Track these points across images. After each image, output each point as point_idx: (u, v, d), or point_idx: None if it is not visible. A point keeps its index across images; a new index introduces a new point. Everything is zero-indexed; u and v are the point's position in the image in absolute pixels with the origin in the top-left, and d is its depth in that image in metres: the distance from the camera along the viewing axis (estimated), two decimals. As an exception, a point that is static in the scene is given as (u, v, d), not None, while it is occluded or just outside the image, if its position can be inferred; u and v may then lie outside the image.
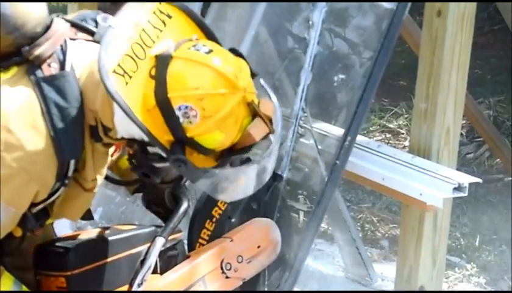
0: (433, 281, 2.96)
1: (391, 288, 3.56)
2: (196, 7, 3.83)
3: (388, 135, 6.31)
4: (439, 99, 2.84)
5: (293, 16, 3.53)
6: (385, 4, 2.99)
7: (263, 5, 3.40)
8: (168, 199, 2.31)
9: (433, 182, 2.73)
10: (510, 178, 5.43)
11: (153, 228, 2.26)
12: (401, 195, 2.84)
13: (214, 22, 3.72)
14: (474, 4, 2.87)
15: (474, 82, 5.06)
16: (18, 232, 2.02)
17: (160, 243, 2.17)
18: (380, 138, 6.19)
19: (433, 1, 2.84)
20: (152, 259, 2.16)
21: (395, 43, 2.88)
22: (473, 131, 5.82)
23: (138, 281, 2.15)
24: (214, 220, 2.45)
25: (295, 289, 2.94)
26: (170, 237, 2.23)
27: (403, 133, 6.28)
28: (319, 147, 3.04)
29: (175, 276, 2.30)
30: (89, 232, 2.25)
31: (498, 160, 5.55)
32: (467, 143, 5.99)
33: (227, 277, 2.39)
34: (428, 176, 2.76)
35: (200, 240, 2.43)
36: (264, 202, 2.55)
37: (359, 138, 2.98)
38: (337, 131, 3.08)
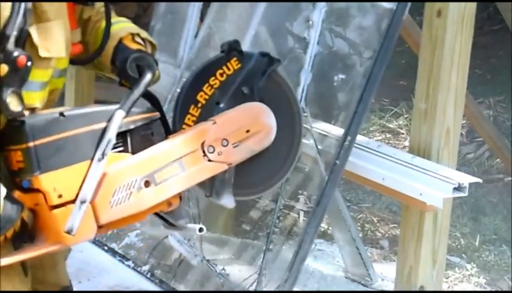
0: (433, 281, 2.95)
1: (391, 288, 3.57)
2: (196, 7, 3.83)
3: (388, 135, 6.31)
4: (439, 99, 2.84)
5: (293, 16, 3.53)
6: (385, 4, 2.99)
7: (263, 5, 3.40)
8: (131, 70, 2.32)
9: (433, 182, 2.73)
10: (510, 178, 5.44)
11: (117, 106, 2.21)
12: (401, 195, 2.83)
13: (214, 22, 3.73)
14: (474, 4, 2.86)
15: (474, 82, 5.06)
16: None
17: (119, 115, 2.17)
18: (380, 138, 6.20)
19: (433, 1, 2.84)
20: (111, 133, 2.16)
21: (395, 43, 2.88)
22: (473, 131, 5.83)
23: (98, 155, 2.15)
24: (199, 105, 2.39)
25: (295, 289, 2.95)
26: (142, 116, 2.25)
27: (403, 133, 6.29)
28: (319, 147, 3.04)
29: (146, 155, 2.25)
30: (51, 110, 2.19)
31: (498, 160, 5.55)
32: (467, 143, 6.00)
33: (209, 160, 2.32)
34: (428, 176, 2.76)
35: (184, 127, 2.38)
36: (258, 87, 2.43)
37: (359, 138, 2.98)
38: (337, 131, 3.08)
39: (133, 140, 2.26)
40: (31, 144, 2.09)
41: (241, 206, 4.42)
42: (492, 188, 5.39)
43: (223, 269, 3.18)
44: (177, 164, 2.28)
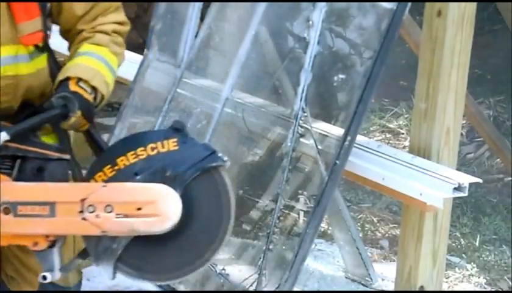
0: (433, 281, 2.95)
1: (391, 288, 3.56)
2: (196, 7, 3.83)
3: (388, 135, 6.31)
4: (439, 99, 2.84)
5: (293, 16, 3.53)
6: (385, 4, 2.99)
7: (263, 5, 3.40)
8: (56, 100, 2.29)
9: (433, 182, 2.73)
10: (510, 178, 5.44)
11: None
12: (401, 195, 2.83)
13: (214, 22, 3.73)
14: (474, 4, 2.86)
15: (474, 82, 5.06)
16: None
17: (2, 137, 2.16)
18: (380, 138, 6.20)
19: (433, 1, 2.84)
20: None
21: (395, 43, 2.88)
22: (473, 131, 5.83)
23: None
24: (116, 168, 2.27)
25: (295, 289, 2.95)
26: (37, 149, 2.24)
27: (403, 133, 6.29)
28: (319, 147, 3.04)
29: (20, 186, 2.22)
30: None
31: (498, 160, 5.55)
32: (467, 143, 6.00)
33: (83, 218, 2.19)
34: (428, 176, 2.76)
35: (91, 181, 2.28)
36: (183, 177, 2.22)
37: (359, 138, 2.98)
38: (337, 131, 3.08)
39: (22, 168, 2.25)
40: None
41: (241, 206, 4.42)
42: (492, 188, 5.39)
43: (223, 269, 3.17)
44: (48, 207, 2.20)
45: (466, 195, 2.72)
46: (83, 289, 3.01)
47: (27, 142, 2.27)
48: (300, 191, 4.40)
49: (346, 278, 3.75)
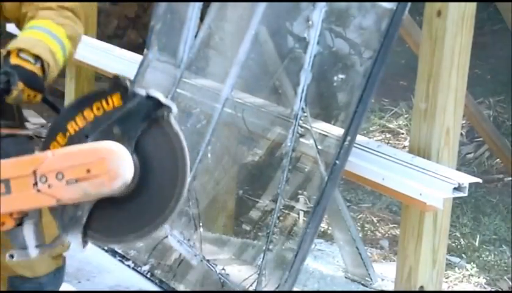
0: (433, 281, 2.95)
1: (391, 288, 3.56)
2: (196, 7, 3.83)
3: (388, 135, 6.31)
4: (439, 99, 2.84)
5: (293, 16, 3.53)
6: (385, 4, 2.99)
7: (263, 5, 3.40)
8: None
9: (433, 182, 2.73)
10: (510, 178, 5.44)
11: None
12: (401, 195, 2.83)
13: (214, 22, 3.73)
14: (474, 4, 2.86)
15: (474, 82, 5.06)
16: None
17: None
18: (380, 138, 6.19)
19: (433, 1, 2.84)
20: None
21: (395, 42, 2.88)
22: (473, 131, 5.83)
23: None
24: (67, 134, 2.23)
25: (295, 289, 2.95)
26: None
27: (403, 133, 6.29)
28: (319, 147, 3.04)
29: None
30: None
31: (498, 160, 5.55)
32: (467, 143, 6.00)
33: (38, 190, 2.17)
34: (428, 176, 2.76)
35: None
36: (131, 132, 2.16)
37: (359, 138, 2.98)
38: (337, 131, 3.08)
39: None
40: None
41: (241, 206, 4.42)
42: (492, 188, 5.39)
43: (223, 269, 3.17)
44: (3, 184, 2.19)
45: (466, 195, 2.72)
46: (83, 289, 3.01)
47: None
48: (300, 191, 4.39)
49: (346, 278, 3.75)
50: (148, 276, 3.20)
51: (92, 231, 2.21)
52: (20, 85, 2.27)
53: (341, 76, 3.30)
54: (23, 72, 2.29)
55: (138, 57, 3.92)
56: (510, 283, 4.11)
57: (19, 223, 2.27)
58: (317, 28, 3.11)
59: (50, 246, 2.34)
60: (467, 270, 4.18)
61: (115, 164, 2.11)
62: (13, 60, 2.30)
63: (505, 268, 4.26)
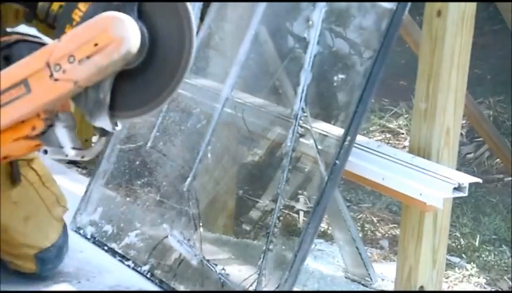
0: (433, 281, 2.95)
1: (391, 288, 3.56)
2: (196, 7, 3.83)
3: (388, 135, 6.31)
4: (439, 99, 2.84)
5: (293, 16, 3.53)
6: (385, 4, 2.99)
7: (263, 5, 3.40)
8: None
9: (433, 182, 2.72)
10: (510, 178, 5.44)
11: None
12: (401, 195, 2.83)
13: (214, 22, 3.73)
14: (474, 4, 2.86)
15: (474, 82, 5.07)
16: None
17: None
18: (380, 138, 6.20)
19: (433, 1, 2.84)
20: None
21: (395, 42, 2.88)
22: (473, 131, 5.84)
23: None
24: (73, 23, 2.31)
25: (295, 289, 2.95)
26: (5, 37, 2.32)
27: (403, 133, 6.29)
28: (319, 147, 3.04)
29: None
30: None
31: (498, 160, 5.56)
32: (467, 143, 6.01)
33: (55, 80, 2.25)
34: (428, 176, 2.76)
35: None
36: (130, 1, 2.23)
37: (359, 138, 2.97)
38: (337, 131, 3.08)
39: None
40: None
41: (241, 206, 4.42)
42: (492, 188, 5.39)
43: (223, 269, 3.17)
44: (23, 85, 2.28)
45: (466, 195, 2.72)
46: (83, 289, 3.01)
47: None
48: (300, 191, 4.40)
49: (346, 278, 3.75)
50: (148, 276, 3.20)
51: (117, 110, 2.28)
52: None
53: (341, 76, 3.30)
54: None
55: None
56: (510, 283, 4.11)
57: (50, 125, 2.33)
58: (317, 28, 3.11)
59: (86, 149, 2.40)
60: (467, 270, 4.18)
61: (119, 30, 2.17)
62: None
63: (505, 268, 4.26)
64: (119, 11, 2.20)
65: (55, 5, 2.38)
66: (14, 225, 2.74)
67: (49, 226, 2.88)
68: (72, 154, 2.34)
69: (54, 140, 2.33)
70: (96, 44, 2.19)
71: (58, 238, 2.92)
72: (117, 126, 2.30)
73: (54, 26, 2.40)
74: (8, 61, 2.34)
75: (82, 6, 2.27)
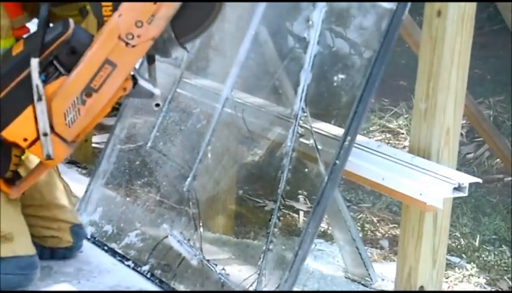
0: (433, 281, 2.95)
1: (391, 288, 3.56)
2: None
3: (388, 135, 6.31)
4: (439, 99, 2.84)
5: (293, 16, 3.53)
6: (385, 4, 2.99)
7: (263, 5, 3.40)
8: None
9: (433, 182, 2.72)
10: (510, 178, 5.44)
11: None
12: (401, 195, 2.83)
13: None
14: (474, 4, 2.86)
15: (474, 82, 5.07)
16: None
17: (34, 63, 2.51)
18: (380, 138, 6.20)
19: (433, 1, 2.84)
20: (35, 79, 2.51)
21: (395, 43, 2.88)
22: (473, 131, 5.83)
23: (35, 99, 2.53)
24: None
25: (295, 289, 2.95)
26: (57, 42, 2.54)
27: (403, 133, 6.29)
28: (319, 147, 3.04)
29: (74, 74, 2.55)
30: None
31: (498, 160, 5.55)
32: (467, 143, 6.00)
33: (133, 46, 2.50)
34: (428, 176, 2.76)
35: (106, 19, 2.53)
36: None
37: (359, 138, 2.97)
38: (337, 131, 3.08)
39: (61, 62, 2.56)
40: None
41: (241, 206, 4.42)
42: (492, 188, 5.39)
43: (223, 269, 3.17)
44: (107, 64, 2.52)
45: (466, 195, 2.72)
46: (82, 289, 3.01)
47: (45, 46, 2.55)
48: (300, 191, 4.40)
49: (346, 278, 3.75)
50: (148, 276, 3.20)
51: (181, 38, 2.57)
52: None
53: (341, 76, 3.31)
54: None
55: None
56: (510, 283, 4.11)
57: (135, 82, 2.62)
58: (317, 28, 3.11)
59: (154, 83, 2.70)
60: (467, 270, 4.17)
61: None
62: None
63: (505, 268, 4.26)
64: None
65: None
66: (55, 203, 3.07)
67: (73, 208, 3.21)
68: (158, 92, 2.68)
69: (143, 90, 2.66)
70: (154, 2, 2.46)
71: (80, 221, 3.22)
72: (186, 49, 2.65)
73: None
74: (75, 52, 2.55)
75: None
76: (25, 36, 2.80)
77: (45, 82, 2.57)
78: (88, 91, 2.54)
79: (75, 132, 2.64)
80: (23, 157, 2.88)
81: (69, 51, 2.56)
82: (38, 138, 2.60)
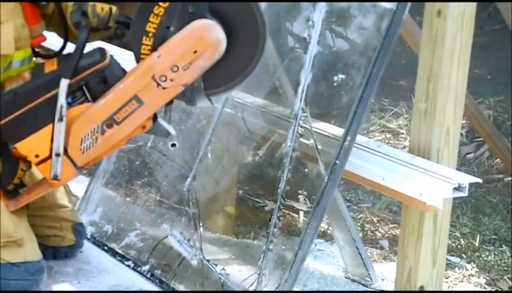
0: (433, 281, 2.96)
1: (391, 288, 3.56)
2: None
3: (388, 135, 6.31)
4: (439, 99, 2.84)
5: (293, 16, 3.53)
6: (385, 4, 2.99)
7: (263, 5, 3.40)
8: (74, 18, 2.65)
9: (433, 182, 2.72)
10: (510, 178, 5.44)
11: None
12: (401, 195, 2.83)
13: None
14: (474, 4, 2.86)
15: (474, 82, 5.06)
16: None
17: (63, 84, 2.55)
18: (380, 138, 6.20)
19: (433, 1, 2.84)
20: (61, 99, 2.55)
21: (395, 43, 2.88)
22: (473, 131, 5.83)
23: (57, 119, 2.57)
24: (150, 34, 2.56)
25: (295, 289, 2.95)
26: (91, 69, 2.58)
27: (403, 133, 6.29)
28: (319, 147, 3.04)
29: (101, 103, 2.59)
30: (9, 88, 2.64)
31: (498, 160, 5.55)
32: (467, 143, 6.00)
33: (164, 88, 2.55)
34: (428, 176, 2.76)
35: (143, 56, 2.60)
36: (202, 3, 2.53)
37: (359, 138, 2.97)
38: (337, 131, 3.07)
39: (90, 89, 2.61)
40: None
41: (241, 206, 4.42)
42: (492, 188, 5.39)
43: (223, 269, 3.17)
44: (134, 100, 2.57)
45: (466, 195, 2.72)
46: (82, 289, 3.01)
47: (79, 70, 2.60)
48: (300, 191, 4.39)
49: (346, 278, 3.75)
50: (148, 276, 3.20)
51: (209, 90, 2.64)
52: (90, 2, 2.63)
53: (341, 76, 3.30)
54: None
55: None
56: (510, 283, 4.11)
57: (154, 119, 2.68)
58: (318, 28, 3.11)
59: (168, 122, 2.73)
60: (467, 270, 4.17)
61: (212, 34, 2.52)
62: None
63: (505, 268, 4.26)
64: (198, 17, 2.51)
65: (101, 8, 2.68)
66: (57, 202, 3.09)
67: (74, 208, 3.23)
68: (173, 131, 2.72)
69: (161, 128, 2.70)
70: (195, 51, 2.52)
71: (81, 220, 3.25)
72: (212, 102, 2.69)
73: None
74: (105, 82, 2.60)
75: (154, 19, 2.54)
76: (55, 52, 2.84)
77: (70, 104, 2.62)
78: (110, 122, 2.60)
79: (87, 159, 2.69)
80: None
81: (100, 80, 2.61)
82: (49, 157, 2.63)
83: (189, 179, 3.43)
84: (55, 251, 3.12)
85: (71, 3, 2.71)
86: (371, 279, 3.69)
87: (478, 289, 4.03)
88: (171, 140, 2.72)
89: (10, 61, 2.68)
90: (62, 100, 2.55)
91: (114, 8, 2.69)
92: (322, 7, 3.12)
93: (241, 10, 2.57)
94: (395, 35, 2.86)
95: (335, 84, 3.29)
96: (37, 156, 2.64)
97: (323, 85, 3.29)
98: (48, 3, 2.74)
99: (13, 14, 2.63)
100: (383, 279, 3.76)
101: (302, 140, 3.08)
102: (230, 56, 2.58)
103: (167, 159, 3.59)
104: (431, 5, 2.84)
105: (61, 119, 2.57)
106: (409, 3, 2.87)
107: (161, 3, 2.53)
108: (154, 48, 2.57)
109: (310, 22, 3.13)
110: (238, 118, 3.42)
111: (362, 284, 3.69)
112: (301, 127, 3.08)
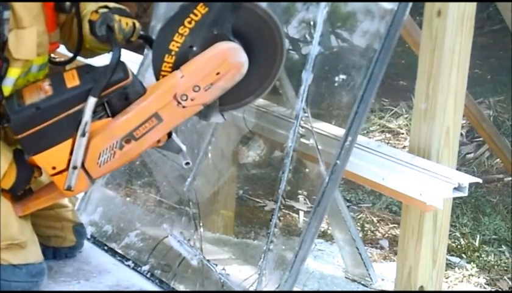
0: (433, 281, 2.96)
1: (391, 288, 3.57)
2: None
3: (388, 135, 6.32)
4: (439, 99, 2.84)
5: (294, 16, 3.53)
6: (386, 4, 2.99)
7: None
8: (100, 32, 2.65)
9: (433, 182, 2.73)
10: (510, 178, 5.44)
11: (90, 86, 2.58)
12: (401, 195, 2.83)
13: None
14: (474, 4, 2.87)
15: (474, 82, 5.07)
16: None
17: (91, 102, 2.57)
18: (380, 138, 6.20)
19: (433, 1, 2.84)
20: (87, 116, 2.57)
21: (395, 43, 2.88)
22: (473, 131, 5.84)
23: (79, 134, 2.59)
24: (173, 53, 2.58)
25: (295, 289, 2.95)
26: (115, 87, 2.60)
27: (403, 133, 6.29)
28: (320, 147, 3.04)
29: (123, 119, 2.62)
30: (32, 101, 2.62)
31: (498, 160, 5.56)
32: (467, 143, 6.01)
33: (184, 107, 2.61)
34: (428, 176, 2.76)
35: (163, 73, 2.62)
36: (228, 25, 2.56)
37: (359, 138, 2.97)
38: (338, 131, 3.07)
39: (111, 105, 2.63)
40: (19, 136, 2.61)
41: (241, 206, 4.42)
42: (492, 188, 5.40)
43: (223, 269, 3.18)
44: (154, 118, 2.61)
45: (466, 195, 2.72)
46: (82, 289, 3.01)
47: (105, 87, 2.61)
48: (300, 191, 4.40)
49: (346, 278, 3.75)
50: (148, 276, 3.20)
51: (223, 106, 2.68)
52: (116, 16, 2.63)
53: (341, 76, 3.30)
54: (112, 10, 2.67)
55: (139, 57, 3.92)
56: (510, 283, 4.11)
57: (169, 136, 2.71)
58: (318, 28, 3.11)
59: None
60: (467, 270, 4.18)
61: (236, 57, 2.57)
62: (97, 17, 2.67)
63: (505, 268, 4.26)
64: (222, 39, 2.55)
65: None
66: (58, 203, 3.06)
67: (74, 208, 3.23)
68: (185, 148, 2.76)
69: (175, 145, 2.74)
70: (217, 73, 2.57)
71: (81, 221, 3.25)
72: (224, 117, 2.72)
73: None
74: (127, 99, 2.62)
75: (178, 38, 2.56)
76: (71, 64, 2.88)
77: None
78: (129, 138, 2.63)
79: (103, 172, 2.72)
80: None
81: (122, 97, 2.62)
82: (66, 169, 2.65)
83: (189, 179, 3.43)
84: (56, 252, 3.12)
85: (88, 12, 2.72)
86: (371, 279, 3.69)
87: (478, 289, 4.04)
88: (184, 158, 2.76)
89: (30, 66, 2.69)
90: (88, 117, 2.58)
91: (137, 24, 2.70)
92: (323, 7, 3.12)
93: (264, 33, 2.62)
94: (396, 35, 2.86)
95: (336, 84, 3.29)
96: (54, 168, 2.66)
97: (324, 85, 3.29)
98: (70, 10, 2.75)
99: (36, 20, 2.65)
100: (383, 279, 3.77)
101: (302, 140, 3.09)
102: (247, 75, 2.62)
103: (167, 159, 3.58)
104: (431, 5, 2.84)
105: (83, 134, 2.59)
106: (410, 4, 2.87)
107: (187, 24, 2.55)
108: (175, 66, 2.59)
109: (311, 23, 3.13)
110: (239, 118, 3.42)
111: (362, 284, 3.70)
112: (302, 127, 3.08)
